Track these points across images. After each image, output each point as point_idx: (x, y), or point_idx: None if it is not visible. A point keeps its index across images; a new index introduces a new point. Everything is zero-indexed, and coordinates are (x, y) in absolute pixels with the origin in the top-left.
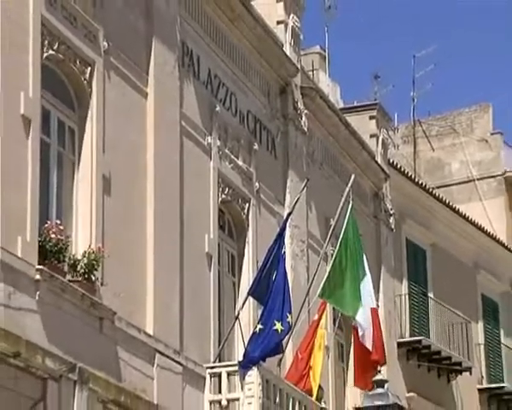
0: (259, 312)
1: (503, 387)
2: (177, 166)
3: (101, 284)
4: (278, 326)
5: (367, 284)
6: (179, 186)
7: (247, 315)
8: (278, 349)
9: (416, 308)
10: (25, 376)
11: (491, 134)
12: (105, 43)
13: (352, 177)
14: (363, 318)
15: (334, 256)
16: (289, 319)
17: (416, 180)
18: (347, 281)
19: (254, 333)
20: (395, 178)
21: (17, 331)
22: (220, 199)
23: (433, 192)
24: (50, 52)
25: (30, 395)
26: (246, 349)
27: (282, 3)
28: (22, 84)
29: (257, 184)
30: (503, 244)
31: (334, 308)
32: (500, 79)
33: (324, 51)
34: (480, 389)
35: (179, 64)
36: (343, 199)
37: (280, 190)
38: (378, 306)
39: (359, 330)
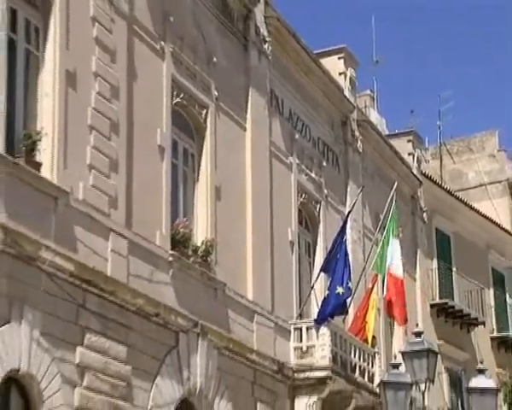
0: (328, 283)
1: (508, 335)
2: (267, 179)
3: (215, 264)
4: (340, 290)
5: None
6: (269, 193)
7: (320, 285)
8: (342, 309)
9: (443, 279)
10: (163, 330)
11: (498, 151)
12: (216, 93)
13: (395, 184)
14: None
15: (381, 240)
16: (350, 285)
17: (442, 185)
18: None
19: (324, 299)
20: (427, 184)
21: (158, 298)
22: (299, 202)
23: (455, 194)
24: (177, 100)
25: (167, 343)
26: (319, 310)
27: (342, 60)
28: (159, 123)
29: (325, 190)
30: (507, 231)
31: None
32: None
33: (373, 93)
34: (491, 337)
35: (268, 105)
36: (388, 200)
37: (342, 194)
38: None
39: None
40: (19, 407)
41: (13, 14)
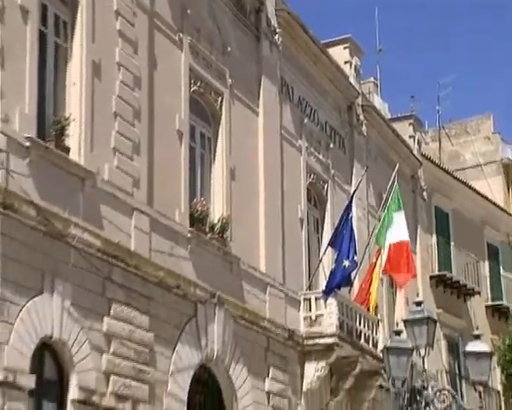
0: (335, 256)
1: (501, 304)
2: (278, 160)
3: (230, 240)
4: (345, 263)
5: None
6: (280, 174)
7: (327, 259)
8: (348, 281)
9: (441, 253)
10: (183, 300)
11: (492, 133)
12: (230, 81)
13: (397, 165)
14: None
15: (382, 217)
16: (355, 259)
17: (441, 166)
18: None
19: (331, 271)
20: (426, 164)
21: (177, 271)
22: (308, 182)
23: (453, 174)
24: (195, 88)
25: (186, 312)
26: (326, 282)
27: (347, 49)
28: (177, 110)
29: (332, 171)
30: (501, 208)
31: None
32: (501, 89)
33: (376, 80)
34: (486, 306)
35: (279, 92)
36: (391, 180)
37: (348, 174)
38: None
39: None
40: (52, 370)
41: (43, 9)
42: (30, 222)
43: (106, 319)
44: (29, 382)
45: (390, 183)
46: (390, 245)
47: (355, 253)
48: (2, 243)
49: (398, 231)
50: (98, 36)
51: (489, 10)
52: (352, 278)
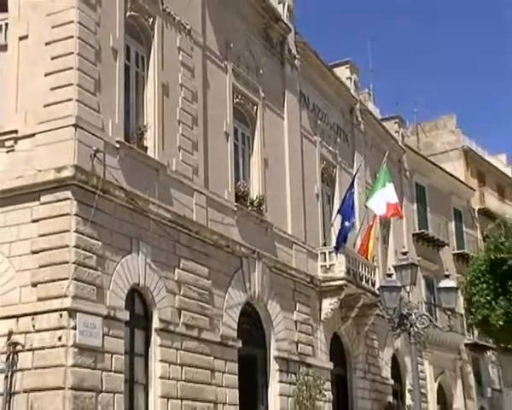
0: (340, 221)
1: (464, 252)
2: (299, 152)
3: (265, 211)
4: (346, 224)
5: (389, 191)
6: (301, 162)
7: (337, 223)
8: (346, 237)
9: (420, 216)
10: (231, 256)
11: (456, 128)
12: (262, 94)
13: (387, 153)
14: (375, 205)
15: (371, 186)
16: (354, 220)
17: (419, 152)
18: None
19: (339, 232)
20: (408, 152)
21: (227, 235)
22: (321, 167)
23: (428, 158)
24: (237, 100)
25: (234, 265)
26: (336, 240)
27: (348, 69)
28: (224, 117)
29: (339, 158)
30: (462, 182)
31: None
32: (464, 90)
33: (370, 91)
34: (453, 254)
35: (298, 101)
36: (382, 163)
37: (351, 161)
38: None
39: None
40: (140, 307)
41: (127, 48)
42: (120, 202)
43: (177, 270)
44: (124, 316)
45: (381, 165)
46: (387, 204)
47: (354, 216)
48: (102, 217)
49: (392, 196)
50: (166, 65)
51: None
52: (352, 235)
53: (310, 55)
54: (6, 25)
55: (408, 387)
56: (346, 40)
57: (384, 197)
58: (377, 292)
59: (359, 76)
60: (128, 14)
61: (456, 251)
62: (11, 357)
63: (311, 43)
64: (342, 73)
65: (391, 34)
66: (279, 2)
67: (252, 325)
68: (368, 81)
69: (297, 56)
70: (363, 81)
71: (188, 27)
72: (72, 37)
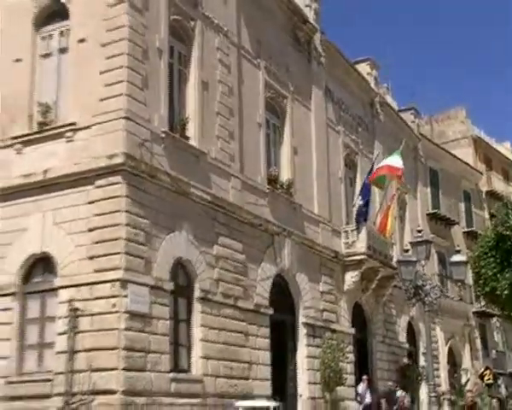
0: (360, 201)
1: (472, 230)
2: (325, 140)
3: (294, 193)
4: (360, 201)
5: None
6: (326, 149)
7: (357, 204)
8: (365, 216)
9: (434, 198)
10: (264, 233)
11: (465, 118)
12: (291, 88)
13: (403, 141)
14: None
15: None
16: (367, 199)
17: (432, 140)
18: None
19: (357, 212)
20: (423, 140)
21: (260, 214)
22: (345, 154)
23: (441, 145)
24: (268, 94)
25: (266, 241)
26: (356, 219)
27: (369, 65)
28: (257, 109)
29: (360, 146)
30: (471, 167)
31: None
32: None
33: (388, 85)
34: (463, 231)
35: (324, 95)
36: (399, 150)
37: (371, 148)
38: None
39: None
40: (183, 279)
41: (171, 48)
42: (165, 185)
43: (215, 246)
44: (169, 286)
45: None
46: (388, 166)
47: (368, 196)
48: (149, 199)
49: (396, 162)
50: (205, 63)
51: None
52: (371, 214)
53: (334, 53)
54: (67, 30)
55: (421, 350)
56: (367, 38)
57: (387, 161)
58: (395, 266)
59: (379, 72)
60: (172, 17)
61: (466, 229)
62: (72, 321)
63: (335, 40)
64: (363, 69)
65: (407, 33)
66: (306, 6)
67: (282, 294)
68: (387, 76)
69: (322, 54)
70: (383, 76)
71: (225, 29)
72: (123, 39)
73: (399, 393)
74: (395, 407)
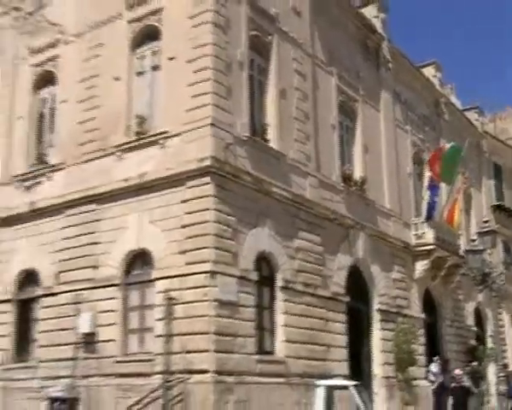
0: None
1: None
2: (393, 139)
3: (367, 190)
4: (435, 198)
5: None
6: (395, 147)
7: (427, 198)
8: (435, 210)
9: (498, 191)
10: (340, 227)
11: None
12: (362, 92)
13: (468, 140)
14: None
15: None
16: (435, 198)
17: (496, 137)
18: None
19: (428, 205)
20: (488, 138)
21: (336, 210)
22: (413, 151)
23: (504, 141)
24: (341, 98)
25: (342, 234)
26: (426, 213)
27: (433, 68)
28: (331, 112)
29: (427, 144)
30: None
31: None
32: None
33: (452, 86)
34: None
35: (392, 97)
36: (464, 147)
37: (437, 146)
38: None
39: None
40: (266, 269)
41: (251, 61)
42: (249, 185)
43: (295, 239)
44: (254, 276)
45: (464, 149)
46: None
47: (437, 194)
48: (234, 198)
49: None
50: (282, 73)
51: None
52: (439, 206)
53: (401, 58)
54: (158, 50)
55: (489, 333)
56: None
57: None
58: (462, 255)
59: (443, 74)
60: (251, 33)
61: (496, 203)
62: (168, 308)
63: (401, 45)
64: (428, 71)
65: (472, 33)
66: (374, 17)
67: (357, 283)
68: (453, 76)
69: (390, 60)
70: (448, 77)
71: (299, 41)
72: (208, 55)
73: (457, 371)
74: (452, 385)
